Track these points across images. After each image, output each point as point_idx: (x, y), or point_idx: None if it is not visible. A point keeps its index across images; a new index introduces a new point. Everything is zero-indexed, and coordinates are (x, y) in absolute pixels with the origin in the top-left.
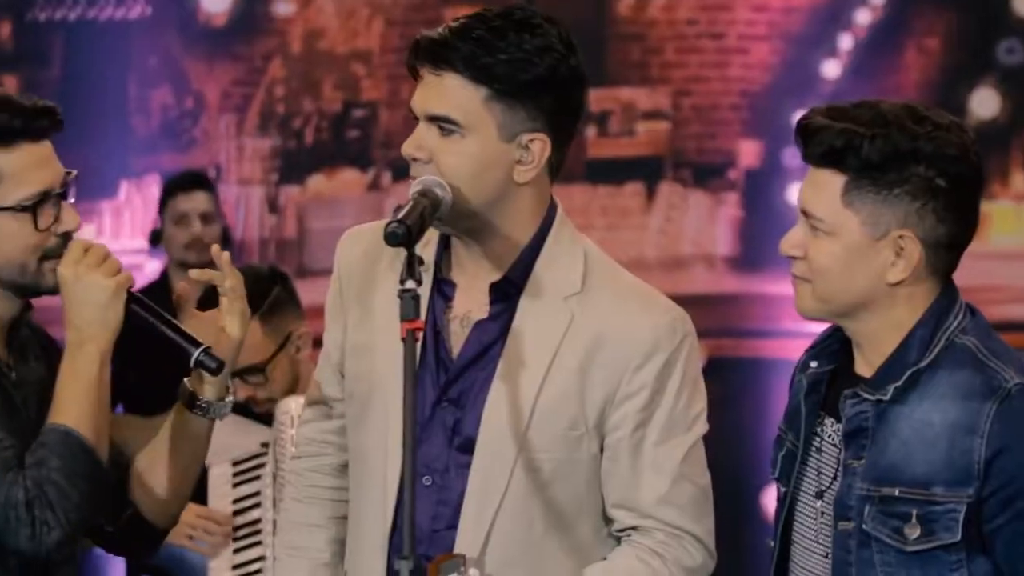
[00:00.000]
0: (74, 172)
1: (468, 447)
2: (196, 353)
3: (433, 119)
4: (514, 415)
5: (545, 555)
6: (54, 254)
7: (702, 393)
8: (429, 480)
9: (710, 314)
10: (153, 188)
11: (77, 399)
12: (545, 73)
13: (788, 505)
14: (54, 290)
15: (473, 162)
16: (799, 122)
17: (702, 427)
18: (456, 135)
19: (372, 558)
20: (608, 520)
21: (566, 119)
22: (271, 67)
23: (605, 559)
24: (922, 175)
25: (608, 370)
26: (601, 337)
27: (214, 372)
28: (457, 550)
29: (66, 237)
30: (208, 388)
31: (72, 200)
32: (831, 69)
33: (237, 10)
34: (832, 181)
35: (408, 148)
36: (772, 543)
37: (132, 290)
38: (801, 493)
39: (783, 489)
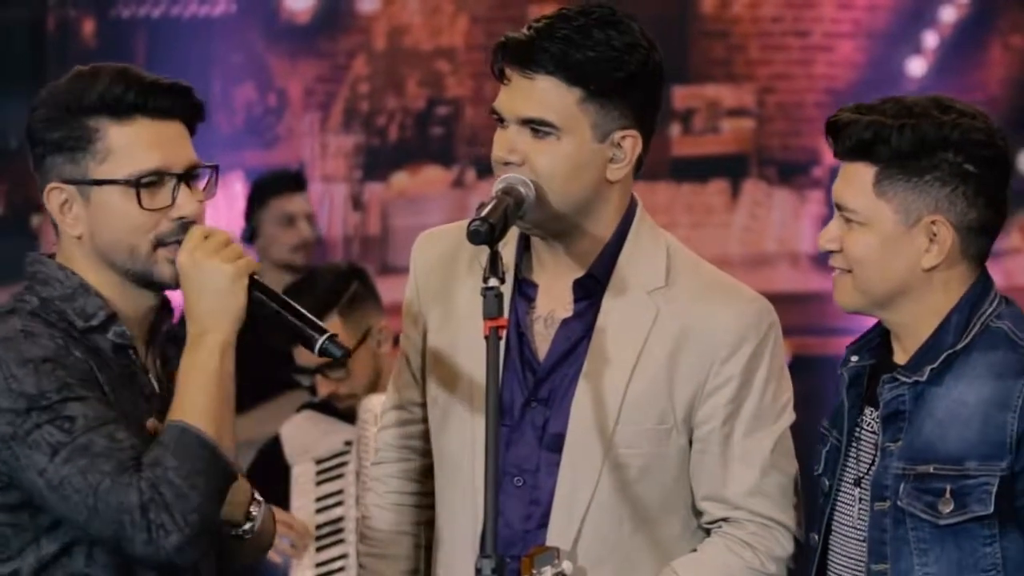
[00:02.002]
0: (214, 164)
1: (557, 445)
2: (321, 340)
3: (527, 122)
4: (602, 411)
5: (634, 551)
6: (169, 240)
7: (788, 382)
8: (520, 481)
9: (794, 312)
10: (236, 185)
11: (197, 393)
12: (636, 70)
13: (831, 498)
14: (171, 282)
15: (568, 163)
16: (829, 119)
17: (789, 417)
18: (551, 137)
19: (464, 560)
20: (697, 514)
21: (652, 113)
22: (355, 64)
23: (695, 551)
24: (951, 161)
25: (695, 363)
26: (687, 330)
27: (338, 359)
28: None
29: (184, 224)
30: None
31: (203, 189)
32: (916, 67)
33: (321, 7)
34: (863, 173)
35: (500, 152)
36: (816, 537)
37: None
38: (843, 484)
39: (827, 483)
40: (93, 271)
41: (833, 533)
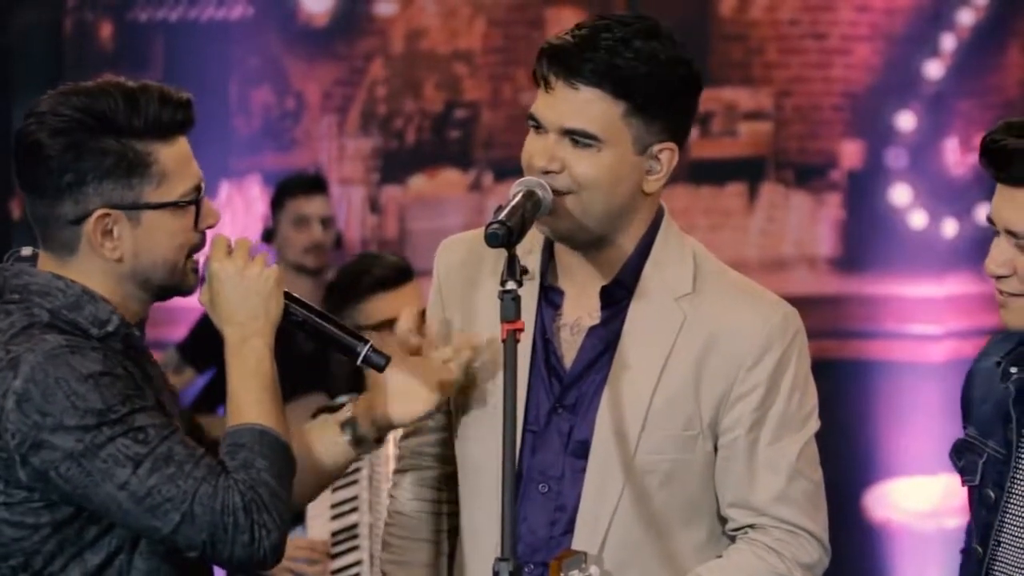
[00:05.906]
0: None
1: (582, 452)
2: (364, 349)
3: (569, 132)
4: (629, 418)
5: (660, 557)
6: (196, 251)
7: (813, 389)
8: (545, 487)
9: (811, 315)
10: (254, 188)
11: (259, 397)
12: (679, 83)
13: (999, 510)
14: (194, 290)
15: (608, 174)
16: (989, 145)
17: (815, 424)
18: (592, 148)
19: (488, 568)
20: (722, 521)
21: (688, 125)
22: (372, 67)
23: (720, 557)
24: None
25: (722, 369)
26: (714, 336)
27: (381, 368)
28: None
29: (203, 234)
30: (372, 428)
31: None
32: (933, 70)
33: (338, 10)
34: None
35: (540, 161)
36: (979, 549)
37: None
38: (1012, 496)
39: (992, 496)
40: (101, 281)
41: (1001, 546)
